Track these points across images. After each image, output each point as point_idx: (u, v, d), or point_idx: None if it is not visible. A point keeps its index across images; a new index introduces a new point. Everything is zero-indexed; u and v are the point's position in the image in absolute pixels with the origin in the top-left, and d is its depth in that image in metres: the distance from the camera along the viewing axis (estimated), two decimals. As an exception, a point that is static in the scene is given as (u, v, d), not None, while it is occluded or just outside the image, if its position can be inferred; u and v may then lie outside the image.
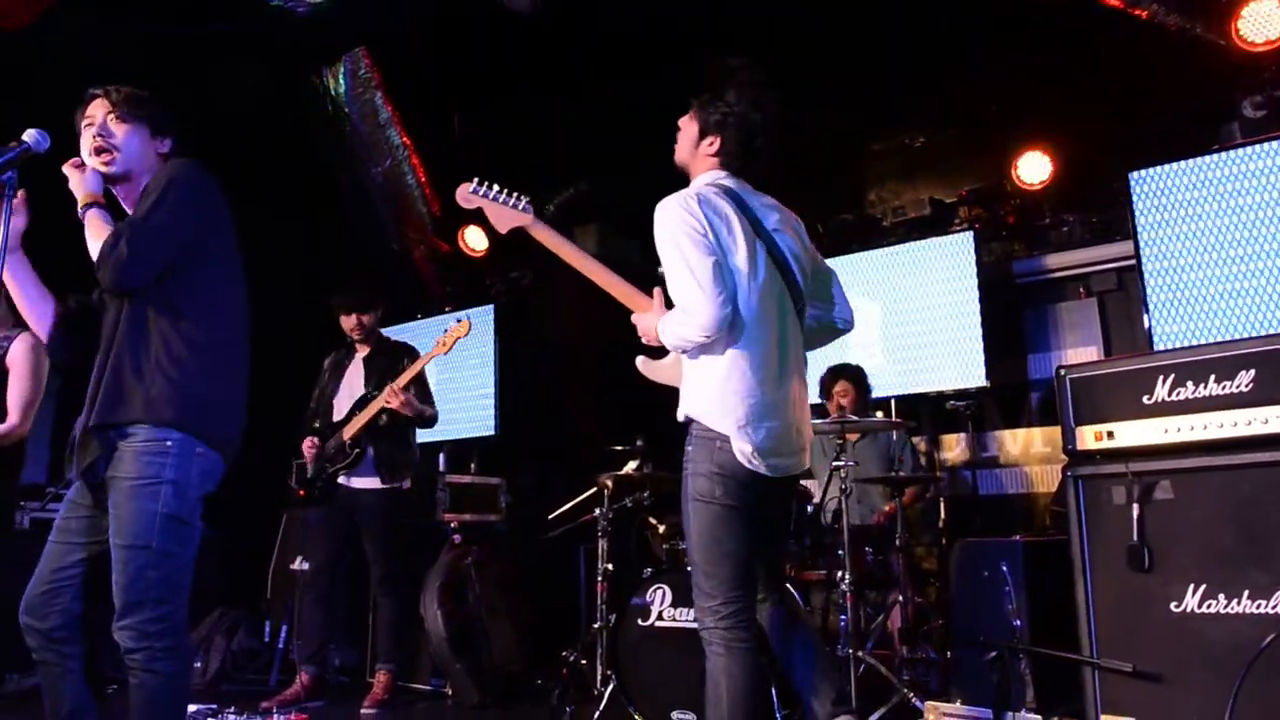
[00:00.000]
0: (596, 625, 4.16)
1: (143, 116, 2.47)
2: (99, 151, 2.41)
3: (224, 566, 5.75)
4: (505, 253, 6.78)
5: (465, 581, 4.69)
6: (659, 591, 3.69)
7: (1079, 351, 5.13)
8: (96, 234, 2.32)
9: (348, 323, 4.75)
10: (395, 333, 5.16)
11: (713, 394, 2.43)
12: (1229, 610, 2.60)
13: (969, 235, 5.14)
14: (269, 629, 5.49)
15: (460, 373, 6.30)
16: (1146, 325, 4.46)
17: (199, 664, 5.12)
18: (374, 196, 6.73)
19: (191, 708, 3.72)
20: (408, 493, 4.69)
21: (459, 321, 4.42)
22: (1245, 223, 4.27)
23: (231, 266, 2.50)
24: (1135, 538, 2.76)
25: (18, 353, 3.84)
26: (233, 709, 3.79)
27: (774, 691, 3.35)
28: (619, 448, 4.34)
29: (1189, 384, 2.77)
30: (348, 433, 4.54)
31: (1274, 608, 2.53)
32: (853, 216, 5.92)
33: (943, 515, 4.59)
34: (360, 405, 4.56)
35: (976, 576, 3.35)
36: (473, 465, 6.21)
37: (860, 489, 4.58)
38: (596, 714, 3.78)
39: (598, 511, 4.36)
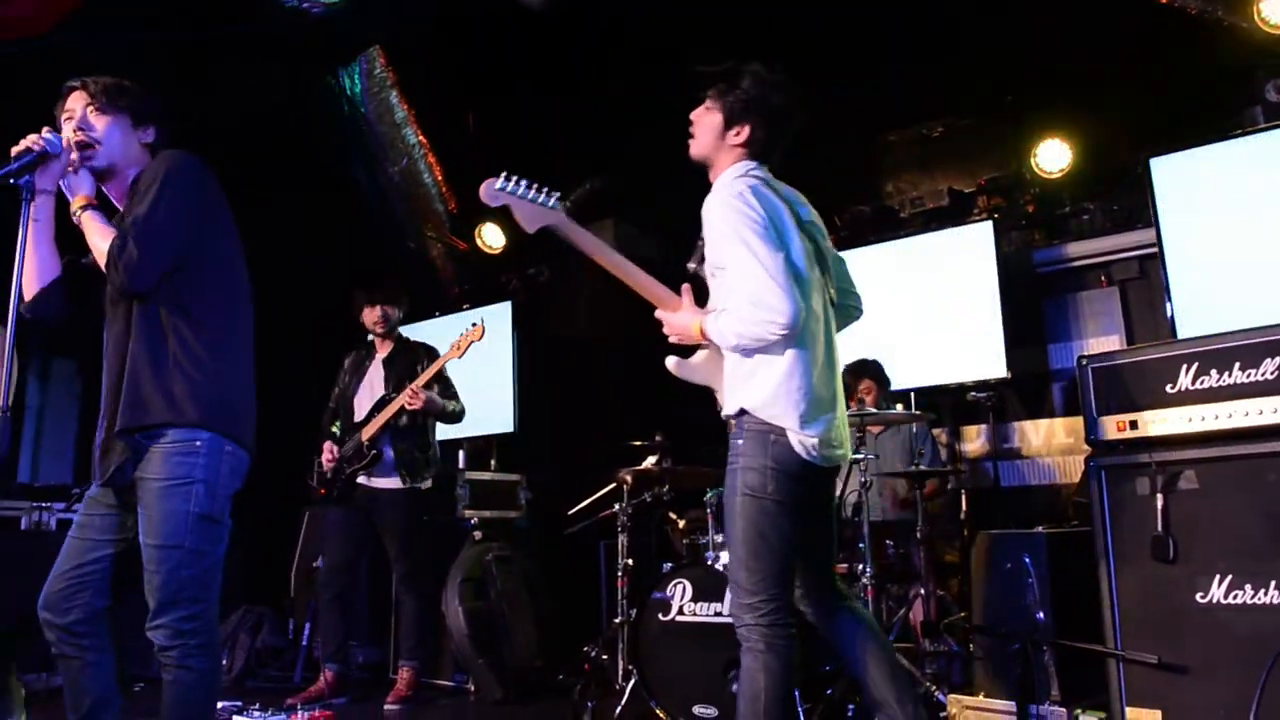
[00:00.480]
0: (617, 620, 4.16)
1: (123, 107, 2.40)
2: (80, 146, 2.33)
3: (247, 564, 5.79)
4: (522, 249, 6.79)
5: (486, 578, 4.71)
6: (679, 586, 3.69)
7: (1101, 341, 5.08)
8: (100, 236, 2.27)
9: (371, 315, 4.78)
10: (413, 331, 5.18)
11: (773, 388, 2.39)
12: (1256, 601, 2.57)
13: (988, 225, 5.10)
14: (293, 626, 5.53)
15: (479, 370, 6.30)
16: (1169, 313, 4.41)
17: (224, 661, 5.17)
18: (390, 195, 6.76)
19: (218, 704, 3.76)
20: (427, 492, 4.71)
21: (474, 326, 4.44)
22: (1269, 207, 4.21)
23: (235, 258, 2.45)
24: (1160, 528, 2.73)
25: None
26: (258, 706, 3.82)
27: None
28: (638, 443, 4.34)
29: (1213, 372, 2.73)
30: (366, 434, 4.57)
31: (1302, 598, 2.50)
32: (870, 208, 5.89)
33: (964, 507, 4.55)
34: (379, 407, 4.60)
35: (999, 569, 3.32)
36: (492, 462, 6.23)
37: (880, 482, 4.57)
38: (618, 709, 3.78)
39: (617, 507, 4.36)
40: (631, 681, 3.76)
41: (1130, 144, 4.81)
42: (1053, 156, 5.14)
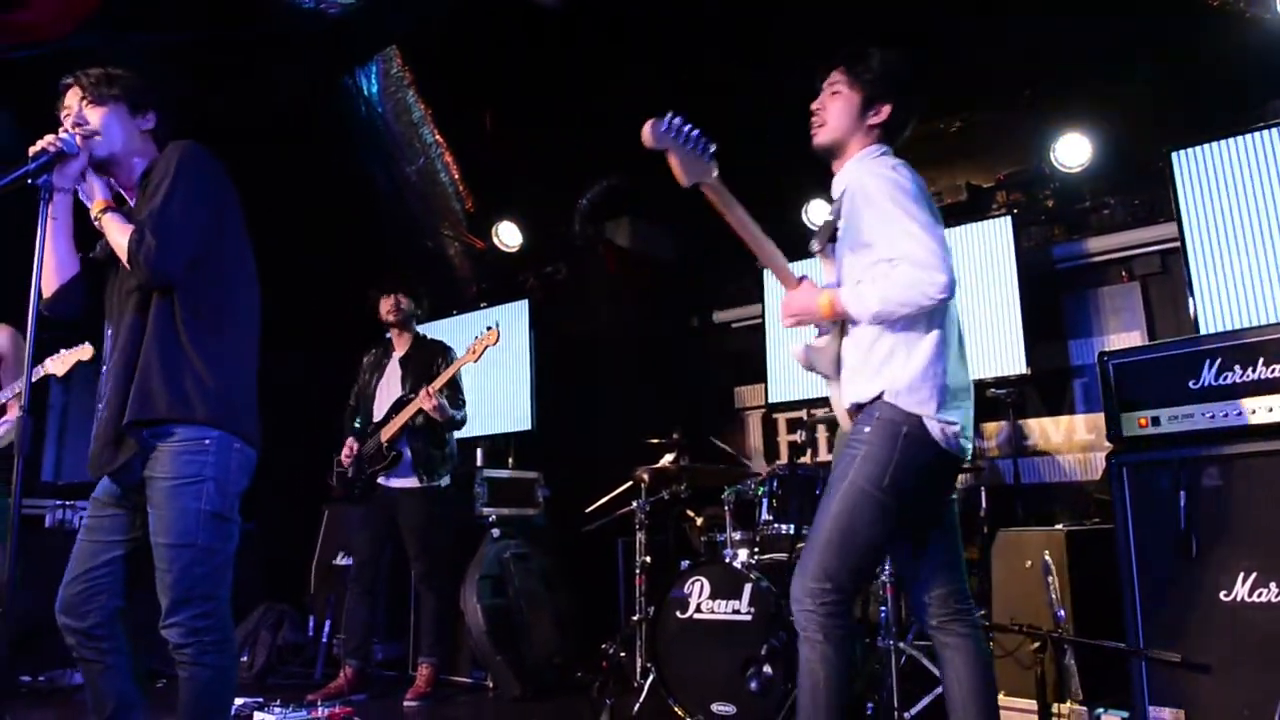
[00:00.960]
0: (635, 618, 4.17)
1: (117, 96, 2.40)
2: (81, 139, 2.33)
3: (267, 562, 5.84)
4: (539, 248, 6.80)
5: (505, 575, 4.73)
6: (697, 584, 3.69)
7: (1122, 336, 5.03)
8: (120, 234, 2.28)
9: (385, 304, 4.81)
10: (431, 329, 5.20)
11: (919, 370, 2.30)
12: (1281, 599, 2.54)
13: (1007, 220, 5.06)
14: (313, 624, 5.57)
15: (496, 368, 6.32)
16: (1191, 308, 4.36)
17: (245, 658, 5.21)
18: (407, 194, 6.78)
19: (238, 701, 3.79)
20: (446, 490, 4.73)
21: (489, 330, 4.45)
22: (1293, 201, 4.15)
23: (244, 253, 2.45)
24: (1182, 525, 2.71)
25: (4, 344, 3.86)
26: (278, 702, 3.85)
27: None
28: (655, 441, 4.33)
29: (1236, 368, 2.70)
30: (385, 435, 4.60)
31: (1328, 596, 2.47)
32: (888, 204, 5.84)
33: (984, 505, 4.52)
34: (397, 408, 4.63)
35: (1019, 567, 3.30)
36: (510, 460, 6.24)
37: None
38: (636, 706, 3.79)
39: (635, 504, 4.37)
40: (649, 679, 3.77)
41: (1151, 137, 4.75)
42: (1072, 150, 5.08)
